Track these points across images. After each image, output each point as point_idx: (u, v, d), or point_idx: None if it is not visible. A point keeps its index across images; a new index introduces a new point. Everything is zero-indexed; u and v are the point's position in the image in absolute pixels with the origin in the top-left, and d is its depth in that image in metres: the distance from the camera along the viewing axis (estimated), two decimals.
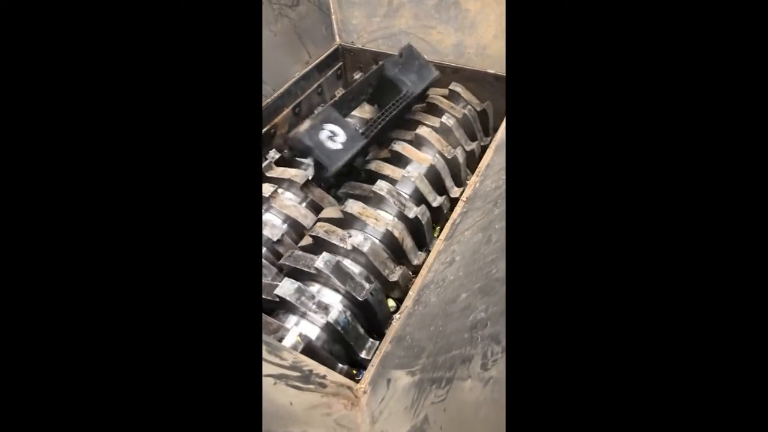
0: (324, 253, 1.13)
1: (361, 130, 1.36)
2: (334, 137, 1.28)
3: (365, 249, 1.18)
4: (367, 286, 1.11)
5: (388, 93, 1.53)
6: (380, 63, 1.56)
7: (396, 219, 1.29)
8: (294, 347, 1.01)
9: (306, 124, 1.28)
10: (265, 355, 0.87)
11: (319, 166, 1.32)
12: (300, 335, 1.06)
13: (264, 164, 1.46)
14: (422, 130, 1.50)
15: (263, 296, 1.14)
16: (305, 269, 1.14)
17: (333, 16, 1.91)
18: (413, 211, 1.28)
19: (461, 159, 1.51)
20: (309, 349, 1.04)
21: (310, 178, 1.40)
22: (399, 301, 1.24)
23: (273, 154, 1.54)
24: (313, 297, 1.09)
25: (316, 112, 1.57)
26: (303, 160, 1.52)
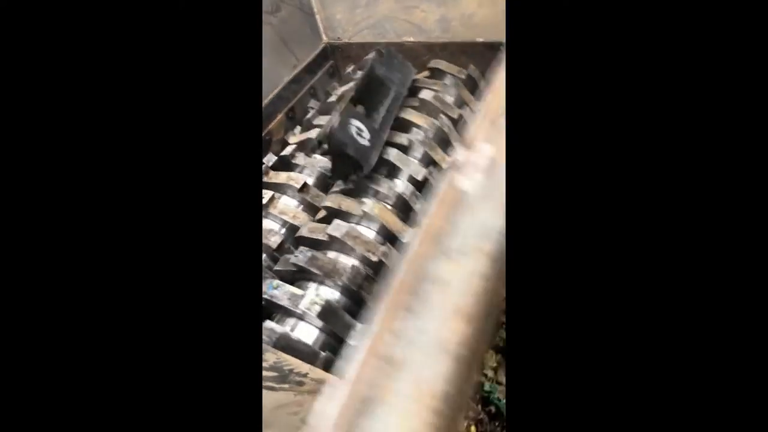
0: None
1: (376, 126, 1.31)
2: (361, 133, 1.23)
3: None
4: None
5: (375, 92, 1.46)
6: (368, 64, 1.48)
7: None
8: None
9: (336, 120, 1.20)
10: None
11: (341, 164, 1.27)
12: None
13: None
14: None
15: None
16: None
17: (317, 15, 1.89)
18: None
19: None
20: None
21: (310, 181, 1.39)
22: None
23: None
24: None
25: (315, 109, 1.45)
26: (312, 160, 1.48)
